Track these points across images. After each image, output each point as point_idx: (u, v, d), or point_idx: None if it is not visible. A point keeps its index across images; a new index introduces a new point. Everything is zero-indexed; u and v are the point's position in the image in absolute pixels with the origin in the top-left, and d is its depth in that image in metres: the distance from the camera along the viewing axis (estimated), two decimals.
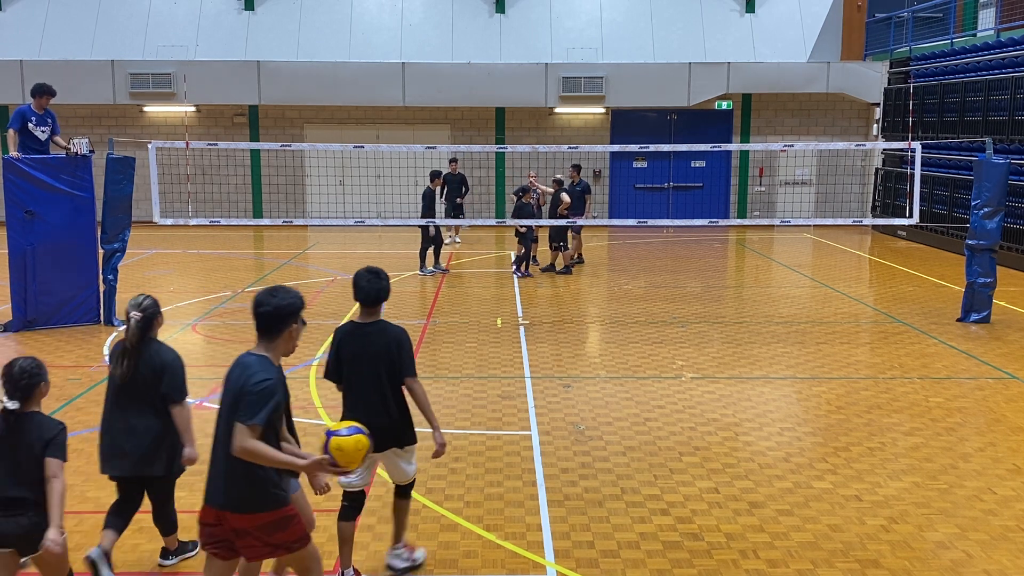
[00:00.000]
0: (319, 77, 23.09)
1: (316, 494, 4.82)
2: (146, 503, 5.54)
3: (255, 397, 4.17)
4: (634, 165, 24.75)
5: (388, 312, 13.34)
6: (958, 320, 12.49)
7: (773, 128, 24.71)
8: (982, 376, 9.89)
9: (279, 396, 4.29)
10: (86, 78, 22.76)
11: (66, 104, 22.50)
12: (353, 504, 5.36)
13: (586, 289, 15.35)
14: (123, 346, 5.26)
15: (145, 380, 5.20)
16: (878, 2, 24.13)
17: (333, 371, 5.32)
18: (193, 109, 24.11)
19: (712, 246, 20.93)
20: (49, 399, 5.95)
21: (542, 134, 24.48)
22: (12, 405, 4.43)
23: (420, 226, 15.98)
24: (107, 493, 6.59)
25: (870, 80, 23.58)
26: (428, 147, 15.04)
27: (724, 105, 24.31)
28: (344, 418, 5.13)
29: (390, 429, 5.21)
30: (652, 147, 14.99)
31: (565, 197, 16.29)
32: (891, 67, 23.32)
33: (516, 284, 15.45)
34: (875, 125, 23.72)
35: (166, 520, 5.57)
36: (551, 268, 16.56)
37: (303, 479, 4.92)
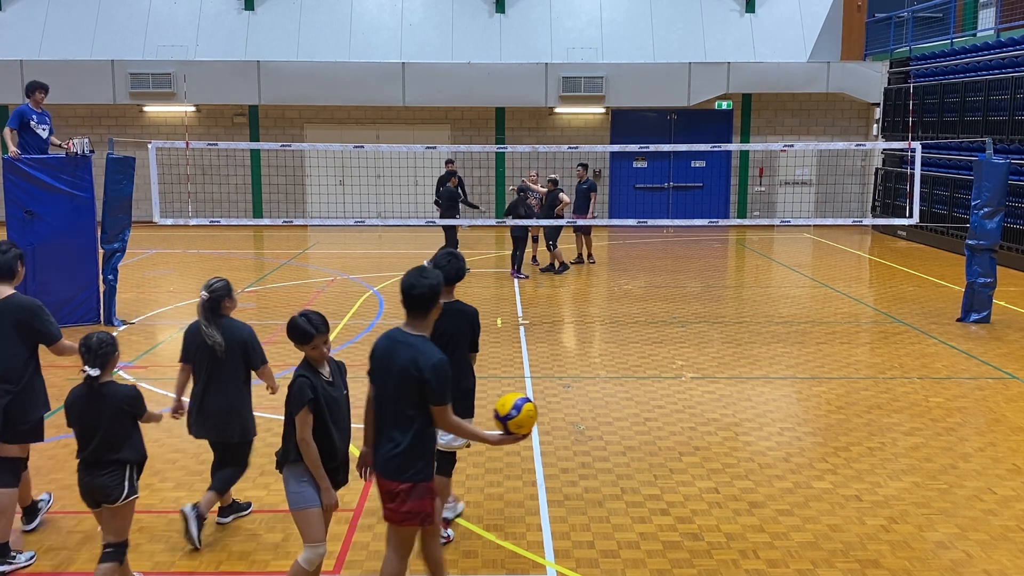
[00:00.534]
0: (319, 77, 23.08)
1: (329, 510, 4.98)
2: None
3: (443, 378, 4.52)
4: (634, 165, 24.75)
5: (388, 311, 13.35)
6: (958, 320, 12.49)
7: (773, 128, 24.71)
8: (982, 376, 9.89)
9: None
10: (86, 78, 22.76)
11: (66, 104, 22.60)
12: (452, 461, 5.95)
13: (586, 289, 15.36)
14: (198, 324, 5.82)
15: (227, 354, 5.77)
16: (878, 2, 24.13)
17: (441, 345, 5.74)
18: (193, 109, 24.11)
19: (712, 246, 20.92)
20: (50, 399, 5.97)
21: (542, 134, 24.48)
22: (94, 372, 4.94)
23: (443, 227, 16.38)
24: None
25: (870, 80, 23.58)
26: (428, 147, 15.05)
27: (724, 105, 24.31)
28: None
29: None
30: (652, 147, 14.98)
31: (564, 197, 16.29)
32: (891, 67, 23.32)
33: (516, 284, 15.46)
34: (875, 125, 23.72)
35: (227, 481, 5.97)
36: (551, 268, 16.57)
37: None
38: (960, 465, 7.28)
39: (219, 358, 5.79)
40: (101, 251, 12.16)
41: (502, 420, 4.68)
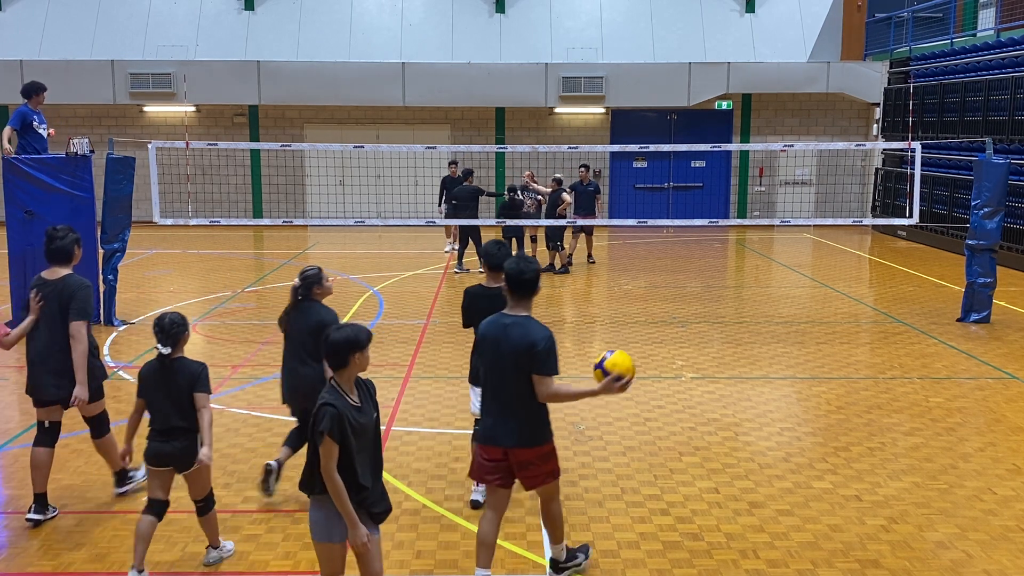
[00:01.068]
0: (319, 77, 23.08)
1: (356, 547, 4.49)
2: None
3: (549, 351, 4.94)
4: (634, 165, 24.75)
5: (388, 312, 13.35)
6: (958, 320, 12.49)
7: (773, 128, 24.71)
8: (982, 376, 9.89)
9: None
10: (86, 78, 22.76)
11: (66, 104, 22.61)
12: None
13: (586, 289, 15.36)
14: (288, 306, 6.48)
15: (303, 335, 6.28)
16: (878, 2, 24.12)
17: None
18: (193, 109, 24.11)
19: (712, 246, 20.93)
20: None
21: (542, 134, 24.48)
22: (165, 350, 5.32)
23: (462, 227, 16.54)
24: (106, 494, 6.61)
25: (870, 80, 23.58)
26: (428, 147, 15.06)
27: (724, 105, 24.31)
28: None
29: None
30: (652, 147, 14.98)
31: (566, 197, 16.28)
32: (891, 67, 23.32)
33: None
34: (875, 125, 23.72)
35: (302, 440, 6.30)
36: (550, 268, 16.55)
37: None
38: (960, 465, 7.28)
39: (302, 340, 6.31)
40: (101, 251, 12.15)
41: (599, 366, 5.01)
